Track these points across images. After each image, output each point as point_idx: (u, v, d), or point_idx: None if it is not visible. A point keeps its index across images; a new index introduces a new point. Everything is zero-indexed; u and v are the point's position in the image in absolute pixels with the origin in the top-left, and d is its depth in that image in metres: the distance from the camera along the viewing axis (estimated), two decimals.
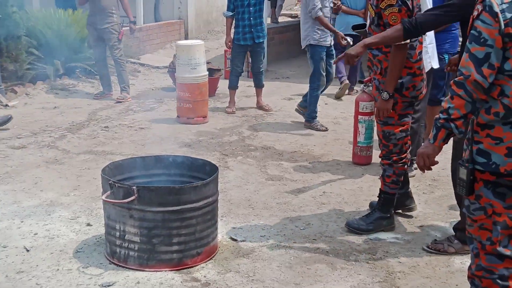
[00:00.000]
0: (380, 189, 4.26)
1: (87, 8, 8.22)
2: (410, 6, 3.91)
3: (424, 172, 3.22)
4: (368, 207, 4.54)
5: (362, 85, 5.30)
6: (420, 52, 4.08)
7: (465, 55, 2.54)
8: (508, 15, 2.43)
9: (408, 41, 3.88)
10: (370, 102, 5.28)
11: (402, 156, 4.17)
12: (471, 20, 2.58)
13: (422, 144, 3.46)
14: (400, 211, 4.45)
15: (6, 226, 4.16)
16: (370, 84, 4.84)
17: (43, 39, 8.55)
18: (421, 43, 4.09)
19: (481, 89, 2.48)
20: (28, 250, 3.81)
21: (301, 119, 7.21)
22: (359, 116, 5.52)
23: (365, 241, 4.07)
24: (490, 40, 2.45)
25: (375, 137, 4.73)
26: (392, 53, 3.93)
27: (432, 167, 2.92)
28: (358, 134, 5.56)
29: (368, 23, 4.26)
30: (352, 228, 4.18)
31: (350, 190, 5.03)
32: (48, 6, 9.48)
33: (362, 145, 5.58)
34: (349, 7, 8.39)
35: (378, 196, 4.28)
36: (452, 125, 2.57)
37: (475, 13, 2.54)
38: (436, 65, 5.08)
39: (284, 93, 8.79)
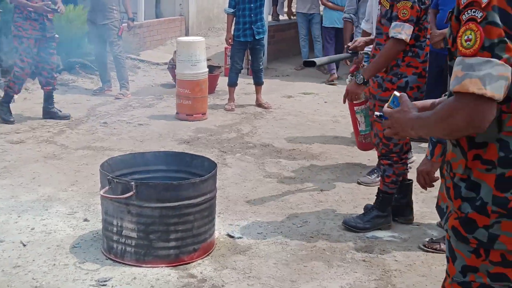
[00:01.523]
0: (378, 188, 4.27)
1: (87, 4, 8.22)
2: (427, 3, 3.92)
3: (426, 189, 3.19)
4: (364, 206, 4.53)
5: (349, 76, 5.16)
6: (427, 54, 4.07)
7: None
8: None
9: (407, 40, 3.87)
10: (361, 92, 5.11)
11: (402, 156, 4.17)
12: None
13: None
14: (396, 219, 4.38)
15: (3, 220, 4.16)
16: (356, 74, 4.78)
17: None
18: (428, 45, 4.09)
19: None
20: (24, 245, 3.81)
21: (300, 117, 7.21)
22: (355, 107, 5.32)
23: (362, 239, 4.08)
24: None
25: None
26: (388, 45, 3.94)
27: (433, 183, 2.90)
28: (358, 124, 5.37)
29: (377, 17, 4.23)
30: (349, 226, 4.19)
31: (347, 188, 5.04)
32: None
33: (365, 133, 5.36)
34: (334, 3, 9.33)
35: (376, 195, 4.29)
36: None
37: None
38: None
39: (283, 91, 8.80)
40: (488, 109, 1.69)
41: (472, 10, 1.70)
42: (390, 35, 3.91)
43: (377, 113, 2.09)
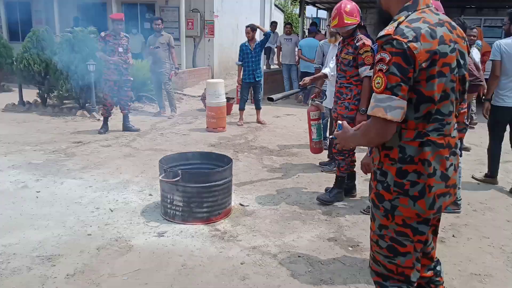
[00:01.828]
0: (336, 174, 4.24)
1: (149, 59, 8.23)
2: None
3: (366, 174, 3.14)
4: (325, 188, 4.48)
5: (310, 100, 4.98)
6: None
7: None
8: None
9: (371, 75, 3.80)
10: (317, 111, 4.65)
11: (351, 153, 4.14)
12: None
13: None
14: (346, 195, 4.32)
15: (98, 195, 4.17)
16: (316, 100, 4.62)
17: None
18: None
19: None
20: (112, 211, 3.82)
21: (284, 129, 7.19)
22: (312, 122, 4.76)
23: (324, 206, 4.08)
24: None
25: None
26: (365, 83, 3.85)
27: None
28: (312, 134, 4.82)
29: (331, 66, 4.12)
30: (322, 200, 4.12)
31: (315, 174, 5.02)
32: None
33: (316, 140, 4.84)
34: (307, 57, 9.31)
35: (335, 179, 4.24)
36: None
37: None
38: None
39: (274, 113, 8.77)
40: (390, 127, 1.73)
41: (381, 64, 1.73)
42: (363, 76, 3.84)
43: (330, 136, 2.10)
